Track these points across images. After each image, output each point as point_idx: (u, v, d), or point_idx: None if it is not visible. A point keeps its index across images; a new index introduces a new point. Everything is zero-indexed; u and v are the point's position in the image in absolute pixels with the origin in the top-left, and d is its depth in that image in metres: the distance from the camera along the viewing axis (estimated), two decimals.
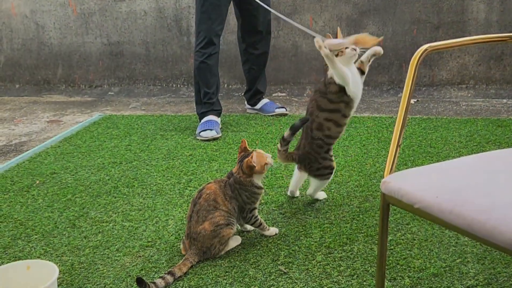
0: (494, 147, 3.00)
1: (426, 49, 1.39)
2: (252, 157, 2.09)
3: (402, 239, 2.12)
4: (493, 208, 1.14)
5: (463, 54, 4.16)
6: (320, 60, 4.39)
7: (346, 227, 2.24)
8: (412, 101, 4.03)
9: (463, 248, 2.04)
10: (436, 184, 1.28)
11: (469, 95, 4.11)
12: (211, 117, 3.53)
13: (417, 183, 1.30)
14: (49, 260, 2.10)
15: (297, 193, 2.54)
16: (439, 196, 1.21)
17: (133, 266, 2.04)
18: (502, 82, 4.14)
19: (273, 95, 4.42)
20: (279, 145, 2.36)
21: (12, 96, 4.91)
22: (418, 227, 2.20)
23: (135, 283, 1.85)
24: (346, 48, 2.21)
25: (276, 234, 2.21)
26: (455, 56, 4.18)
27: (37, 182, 2.86)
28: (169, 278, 1.91)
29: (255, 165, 2.09)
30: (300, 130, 2.35)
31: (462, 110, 3.79)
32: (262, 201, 2.50)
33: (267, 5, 3.35)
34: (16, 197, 2.69)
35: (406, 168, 2.44)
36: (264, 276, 1.94)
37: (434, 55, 4.20)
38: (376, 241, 2.08)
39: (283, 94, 4.44)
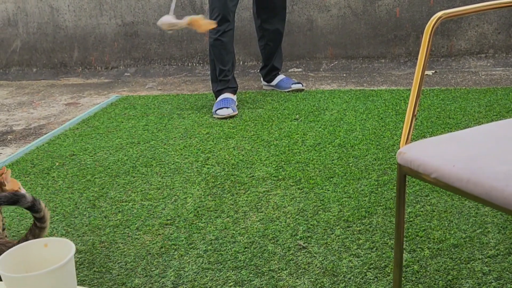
0: None
1: (440, 17, 1.35)
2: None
3: (421, 211, 2.11)
4: (508, 175, 1.12)
5: (481, 22, 4.08)
6: (336, 34, 4.35)
7: (365, 200, 2.24)
8: (430, 72, 3.98)
9: (483, 218, 2.02)
10: (452, 153, 1.26)
11: (489, 64, 4.04)
12: (227, 95, 3.52)
13: (433, 153, 1.28)
14: (71, 240, 2.13)
15: None
16: (456, 165, 1.19)
17: (153, 244, 2.06)
18: None
19: (289, 70, 4.39)
20: None
21: (30, 80, 4.95)
22: (438, 198, 2.19)
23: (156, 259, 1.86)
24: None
25: None
26: (473, 25, 4.10)
27: (57, 164, 2.89)
28: None
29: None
30: None
31: (482, 80, 3.73)
32: (280, 177, 2.50)
33: None
34: (36, 179, 2.72)
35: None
36: (283, 251, 1.95)
37: (452, 24, 4.12)
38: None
39: (299, 69, 4.41)
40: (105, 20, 4.82)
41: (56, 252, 1.19)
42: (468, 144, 1.30)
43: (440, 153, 1.27)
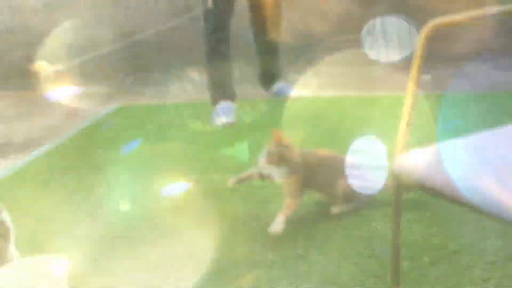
0: None
1: (433, 25, 1.35)
2: None
3: (421, 217, 2.10)
4: (506, 184, 1.12)
5: (479, 26, 4.08)
6: (333, 41, 4.35)
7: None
8: (427, 77, 3.97)
9: (483, 224, 2.01)
10: (448, 162, 1.26)
11: (487, 68, 4.04)
12: (225, 103, 3.52)
13: (428, 162, 1.28)
14: (70, 253, 2.13)
15: None
16: (451, 174, 1.19)
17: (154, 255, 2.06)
18: None
19: (288, 77, 4.38)
20: None
21: (30, 91, 4.94)
22: (437, 204, 2.18)
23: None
24: None
25: None
26: (470, 29, 4.10)
27: (56, 176, 2.88)
28: None
29: None
30: None
31: (480, 84, 3.72)
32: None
33: None
34: (36, 191, 2.72)
35: (422, 146, 2.42)
36: (283, 260, 1.94)
37: (449, 28, 4.11)
38: None
39: (298, 76, 4.40)
40: (104, 30, 4.83)
41: (50, 269, 1.19)
42: (463, 153, 1.30)
43: (435, 163, 1.27)
